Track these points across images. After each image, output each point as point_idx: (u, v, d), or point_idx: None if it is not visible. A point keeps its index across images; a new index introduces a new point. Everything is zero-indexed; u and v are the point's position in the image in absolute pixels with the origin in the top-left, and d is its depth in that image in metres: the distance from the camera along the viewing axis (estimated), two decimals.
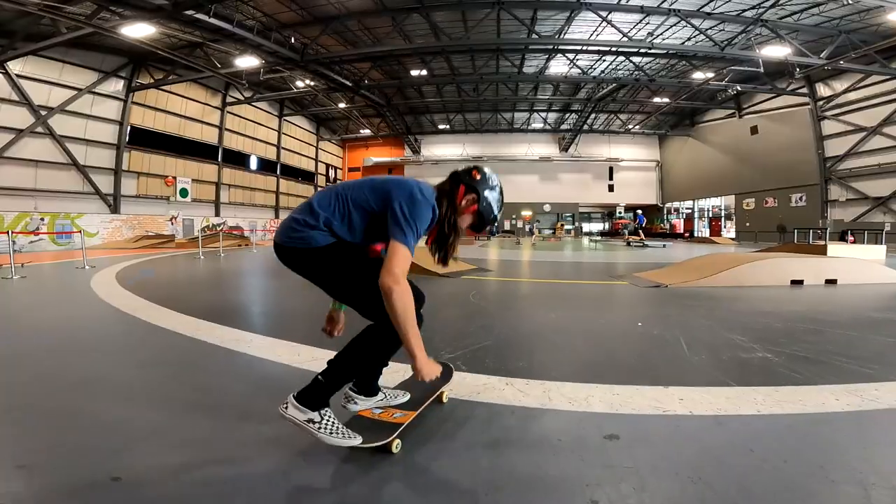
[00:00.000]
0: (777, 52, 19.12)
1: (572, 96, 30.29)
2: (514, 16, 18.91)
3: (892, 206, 20.85)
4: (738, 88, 23.22)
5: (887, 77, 20.82)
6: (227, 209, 28.94)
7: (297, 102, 34.19)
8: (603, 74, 25.55)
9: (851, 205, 22.81)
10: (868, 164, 21.89)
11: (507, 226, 41.59)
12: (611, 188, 40.37)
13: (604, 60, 25.06)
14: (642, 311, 4.47)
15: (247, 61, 21.87)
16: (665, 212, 40.27)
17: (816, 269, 6.29)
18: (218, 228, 27.98)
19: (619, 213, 41.61)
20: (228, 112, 28.78)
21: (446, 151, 40.77)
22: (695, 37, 20.11)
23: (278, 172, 33.69)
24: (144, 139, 23.72)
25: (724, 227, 33.13)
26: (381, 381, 1.94)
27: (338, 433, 1.52)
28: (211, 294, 6.25)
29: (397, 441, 1.61)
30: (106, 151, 22.01)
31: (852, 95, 22.73)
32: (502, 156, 39.84)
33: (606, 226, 48.79)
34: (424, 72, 26.28)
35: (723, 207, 33.54)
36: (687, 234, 35.43)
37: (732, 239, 28.25)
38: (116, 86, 22.22)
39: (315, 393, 1.53)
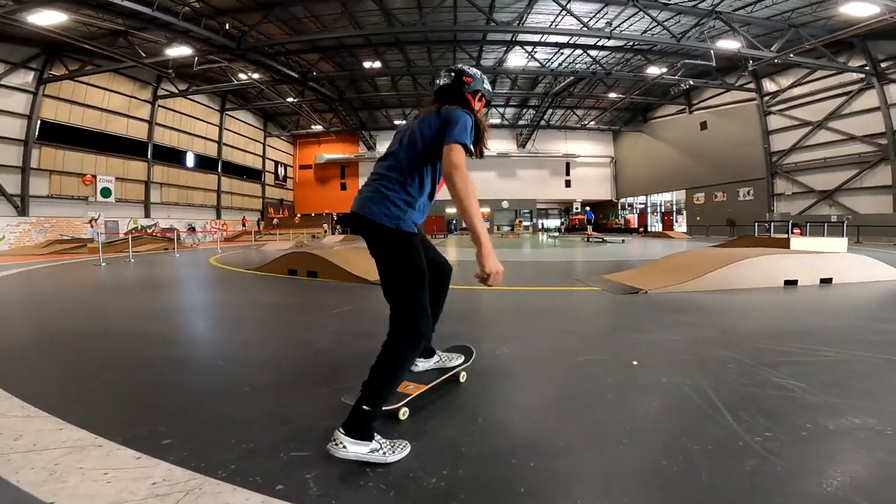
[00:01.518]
0: (730, 45, 18.87)
1: (530, 90, 29.51)
2: (472, 2, 17.68)
3: (838, 200, 21.15)
4: (691, 83, 23.02)
5: (832, 72, 21.11)
6: (159, 209, 26.26)
7: (241, 96, 31.82)
8: (561, 67, 24.81)
9: (798, 198, 23.09)
10: (814, 159, 22.17)
11: (464, 223, 40.57)
12: (568, 184, 40.08)
13: (562, 53, 24.35)
14: (629, 336, 3.27)
15: (178, 51, 19.69)
16: (619, 207, 40.40)
17: (810, 268, 5.37)
18: (148, 231, 25.46)
19: (576, 209, 41.52)
20: (161, 106, 26.10)
21: None
22: (652, 28, 19.59)
23: (219, 170, 31.08)
24: (58, 135, 20.98)
25: (676, 221, 33.39)
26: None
27: (397, 449, 1.50)
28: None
29: (405, 409, 1.74)
30: (12, 148, 19.24)
31: (797, 91, 22.98)
32: None
33: (564, 222, 48.82)
34: (378, 64, 24.76)
35: (674, 202, 33.79)
36: (641, 229, 35.52)
37: (685, 233, 28.31)
38: (25, 78, 19.55)
39: (364, 423, 1.47)
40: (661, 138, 32.85)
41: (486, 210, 40.37)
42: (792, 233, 22.03)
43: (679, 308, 4.16)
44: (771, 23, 18.35)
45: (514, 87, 28.92)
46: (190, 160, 28.63)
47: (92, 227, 22.39)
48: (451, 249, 15.42)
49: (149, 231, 24.93)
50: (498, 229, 40.40)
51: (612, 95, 28.51)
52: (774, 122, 24.31)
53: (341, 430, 1.45)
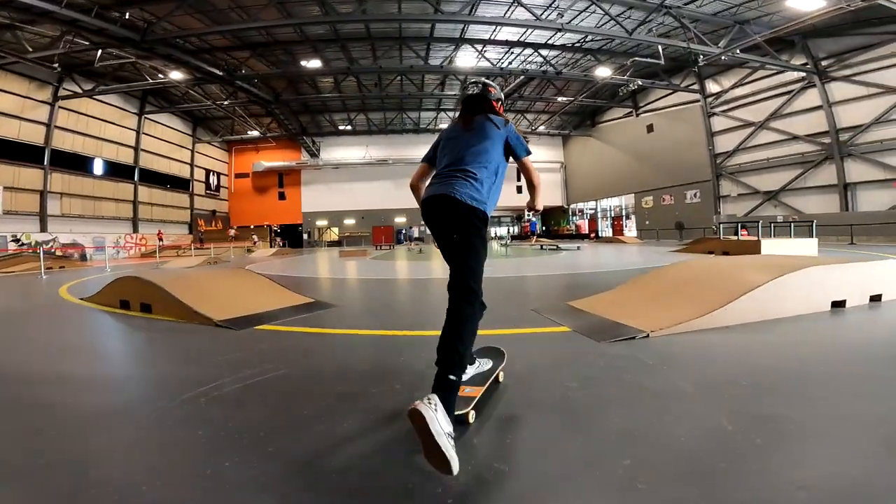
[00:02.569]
0: (678, 42, 18.17)
1: None
2: None
3: (783, 200, 20.84)
4: (640, 83, 22.24)
5: (773, 71, 20.89)
6: (59, 223, 22.49)
7: (164, 98, 28.41)
8: (510, 66, 23.38)
9: (743, 200, 22.74)
10: (757, 159, 21.87)
11: (416, 233, 38.54)
12: (519, 189, 38.73)
13: (512, 53, 23.02)
14: None
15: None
16: (570, 213, 39.74)
17: (859, 282, 3.74)
18: (46, 246, 21.73)
19: (528, 216, 40.48)
20: (62, 108, 22.47)
21: (347, 154, 36.80)
22: (605, 24, 18.54)
23: (136, 178, 27.45)
24: None
25: (626, 226, 32.92)
26: None
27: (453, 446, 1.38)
28: None
29: (472, 412, 1.69)
30: None
31: (739, 91, 22.73)
32: (408, 158, 36.69)
33: (515, 229, 47.80)
34: (318, 63, 22.35)
35: (623, 207, 33.35)
36: (592, 235, 34.83)
37: (636, 238, 27.63)
38: None
39: (455, 393, 1.53)
40: (610, 142, 32.34)
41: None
42: (739, 234, 21.78)
43: (724, 374, 2.28)
44: (718, 19, 17.69)
45: (465, 84, 27.29)
46: (98, 167, 24.94)
47: None
48: (381, 262, 13.35)
49: (48, 247, 21.25)
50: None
51: (562, 99, 27.53)
52: (718, 123, 24.01)
53: (437, 393, 1.44)
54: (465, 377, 1.85)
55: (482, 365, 2.08)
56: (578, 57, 23.60)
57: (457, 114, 2.23)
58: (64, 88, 22.27)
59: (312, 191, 37.53)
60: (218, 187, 36.38)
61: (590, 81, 24.63)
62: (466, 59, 23.07)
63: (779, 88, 20.81)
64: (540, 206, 2.25)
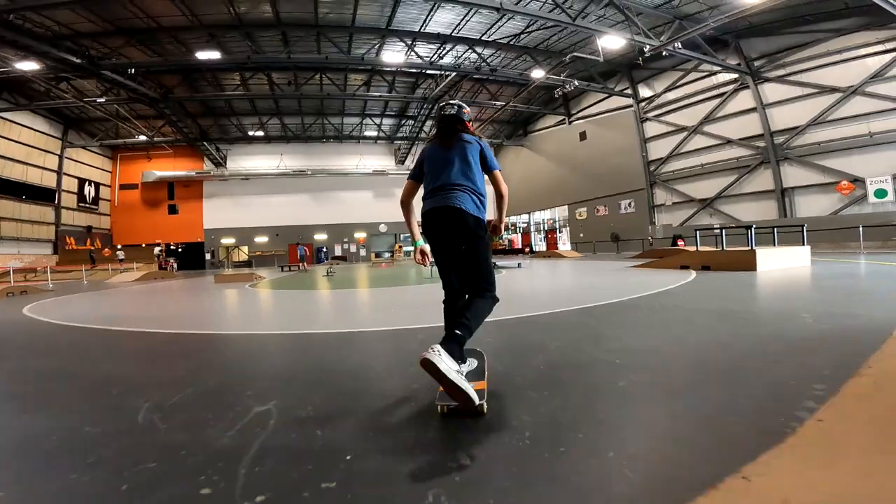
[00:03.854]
0: (621, 35, 17.20)
1: (409, 94, 25.60)
2: None
3: (719, 208, 20.17)
4: (576, 83, 21.01)
5: (705, 73, 20.50)
6: None
7: (21, 93, 22.80)
8: (442, 61, 21.21)
9: (678, 208, 22.05)
10: (691, 166, 21.26)
11: (338, 251, 34.97)
12: None
13: (444, 49, 20.88)
14: None
15: None
16: (503, 227, 38.27)
17: None
18: None
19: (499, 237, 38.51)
20: None
21: (259, 164, 32.59)
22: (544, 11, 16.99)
23: None
24: None
25: (560, 239, 32.01)
26: None
27: (468, 382, 1.71)
28: None
29: (484, 403, 1.73)
30: None
31: (671, 95, 21.99)
32: (330, 169, 33.28)
33: None
34: (217, 54, 18.57)
35: (557, 219, 32.47)
36: (527, 250, 33.50)
37: (574, 251, 26.49)
38: None
39: (458, 347, 1.77)
40: (542, 151, 31.28)
41: (363, 235, 35.43)
42: (676, 245, 21.18)
43: None
44: (659, 13, 16.77)
45: (392, 89, 24.85)
46: None
47: None
48: (259, 292, 10.25)
49: None
50: (376, 256, 35.57)
51: (496, 104, 25.97)
52: (651, 128, 23.35)
53: (440, 345, 1.71)
54: (469, 368, 2.07)
55: (472, 364, 2.17)
56: (514, 56, 22.18)
57: (432, 131, 2.21)
58: None
59: (216, 205, 32.67)
60: (96, 199, 30.36)
61: (524, 86, 23.15)
62: (394, 55, 20.70)
63: (712, 91, 20.11)
64: (504, 219, 2.37)
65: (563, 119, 28.83)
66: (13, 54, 16.56)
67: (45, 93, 22.11)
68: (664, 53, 17.20)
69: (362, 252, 35.28)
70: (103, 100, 22.24)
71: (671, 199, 22.34)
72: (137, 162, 31.73)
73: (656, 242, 21.32)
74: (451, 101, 2.35)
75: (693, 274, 7.40)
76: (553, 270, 11.54)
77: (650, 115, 23.26)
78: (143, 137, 27.77)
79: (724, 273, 7.31)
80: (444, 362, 1.62)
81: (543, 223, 34.07)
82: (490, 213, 2.24)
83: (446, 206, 2.04)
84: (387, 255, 36.29)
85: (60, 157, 27.11)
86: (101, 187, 30.85)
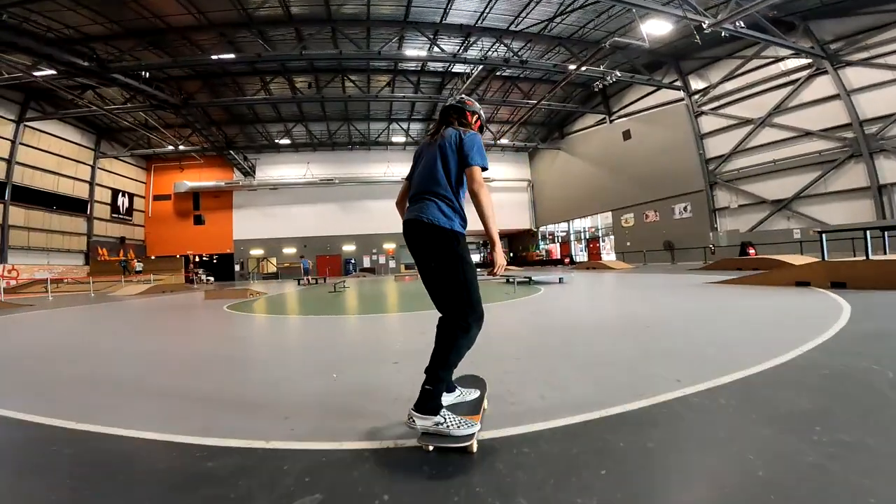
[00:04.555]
0: (663, 25, 14.81)
1: (435, 95, 23.88)
2: None
3: (798, 209, 17.05)
4: (618, 74, 18.64)
5: (768, 60, 17.81)
6: None
7: (51, 102, 22.72)
8: (467, 54, 19.28)
9: (746, 211, 18.98)
10: (761, 162, 18.19)
11: (366, 262, 33.43)
12: None
13: (469, 41, 19.03)
14: None
15: None
16: (540, 237, 35.84)
17: None
18: None
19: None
20: None
21: (287, 172, 31.69)
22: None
23: (7, 197, 21.40)
24: None
25: (603, 248, 29.15)
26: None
27: (463, 424, 1.59)
28: None
29: (474, 442, 1.57)
30: None
31: (730, 85, 19.18)
32: (357, 177, 31.96)
33: (478, 257, 43.72)
34: (231, 56, 17.47)
35: (599, 226, 29.65)
36: (567, 261, 30.84)
37: (622, 261, 23.67)
38: None
39: (429, 400, 1.62)
40: (581, 154, 28.68)
41: (392, 246, 33.80)
42: (747, 253, 18.11)
43: None
44: None
45: (418, 90, 23.21)
46: None
47: None
48: (253, 318, 8.45)
49: None
50: (406, 268, 33.82)
51: (530, 102, 23.76)
52: (707, 123, 20.43)
53: (413, 408, 1.63)
54: (445, 402, 1.82)
55: (466, 394, 1.97)
56: (545, 49, 20.02)
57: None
58: None
59: (245, 215, 31.97)
60: (130, 210, 30.32)
61: (558, 82, 20.83)
62: (416, 50, 19.06)
63: (781, 79, 17.24)
64: (495, 235, 1.76)
65: (604, 118, 26.24)
66: (27, 60, 16.07)
67: (71, 101, 21.85)
68: (724, 35, 14.63)
69: (391, 264, 33.58)
70: (127, 106, 21.75)
71: (736, 201, 19.29)
72: (170, 173, 31.58)
73: (719, 251, 18.35)
74: (454, 96, 2.17)
75: (833, 296, 4.91)
76: (606, 287, 9.11)
77: (706, 108, 20.40)
78: (172, 147, 27.54)
79: (883, 294, 4.83)
80: (418, 426, 1.60)
81: (584, 231, 31.31)
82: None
83: (410, 220, 1.82)
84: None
85: (93, 167, 27.10)
86: (136, 198, 30.82)
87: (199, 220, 31.29)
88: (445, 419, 1.60)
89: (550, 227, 34.49)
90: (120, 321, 6.92)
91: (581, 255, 30.90)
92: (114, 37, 16.68)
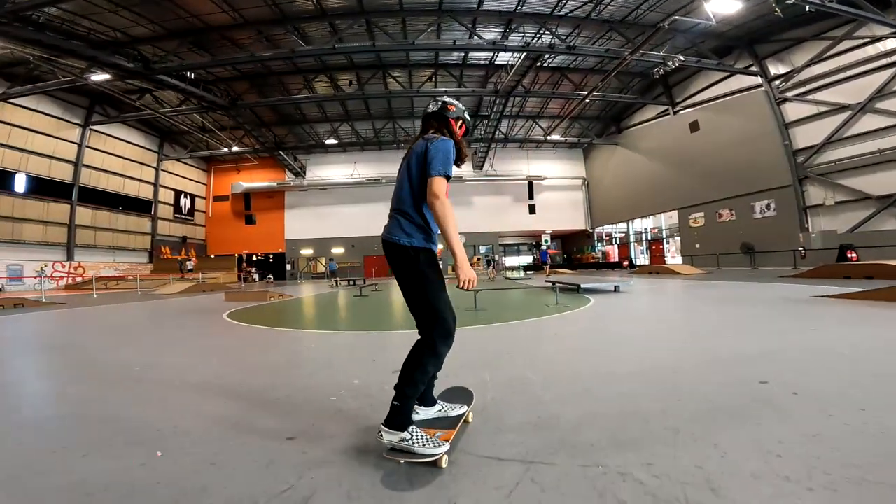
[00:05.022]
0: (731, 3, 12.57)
1: (479, 89, 22.58)
2: None
3: None
4: (681, 59, 16.43)
5: (863, 40, 14.90)
6: None
7: (113, 105, 24.02)
8: (508, 41, 17.81)
9: (845, 209, 16.03)
10: (862, 153, 15.21)
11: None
12: (532, 209, 32.87)
13: (511, 29, 17.60)
14: None
15: None
16: (595, 238, 33.35)
17: None
18: None
19: (546, 242, 34.38)
20: None
21: (335, 172, 31.76)
22: None
23: (74, 198, 22.89)
24: None
25: (667, 250, 26.34)
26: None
27: (429, 443, 1.62)
28: None
29: (445, 457, 1.61)
30: None
31: (818, 69, 16.50)
32: None
33: (529, 259, 41.77)
34: (269, 53, 17.46)
35: (663, 227, 26.84)
36: (626, 263, 28.34)
37: (689, 265, 21.02)
38: None
39: (396, 416, 1.65)
40: (641, 149, 26.14)
41: (440, 247, 32.73)
42: (847, 258, 15.12)
43: None
44: None
45: (461, 84, 22.10)
46: (20, 183, 20.46)
47: None
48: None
49: None
50: (452, 270, 32.72)
51: (582, 94, 21.76)
52: (792, 111, 17.56)
53: (382, 423, 1.68)
54: (419, 417, 1.88)
55: (448, 410, 1.98)
56: (595, 35, 18.09)
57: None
58: None
59: (296, 215, 32.43)
60: (192, 211, 31.80)
61: (611, 71, 18.82)
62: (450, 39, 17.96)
63: (879, 60, 14.57)
64: (456, 249, 1.71)
65: (666, 109, 23.70)
66: (80, 63, 16.74)
67: (130, 105, 22.70)
68: (809, 10, 12.22)
69: (440, 264, 32.51)
70: (182, 108, 22.42)
71: (833, 198, 16.33)
72: (228, 174, 32.75)
73: (811, 256, 15.56)
74: (437, 98, 2.02)
75: None
76: (678, 300, 7.44)
77: (790, 94, 17.58)
78: (226, 149, 28.35)
79: None
80: (385, 441, 1.64)
81: (646, 232, 28.58)
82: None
83: (382, 239, 1.83)
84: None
85: (157, 169, 28.56)
86: (197, 199, 32.29)
87: (249, 220, 32.13)
88: (412, 436, 1.63)
89: (608, 228, 31.96)
90: (95, 327, 6.38)
91: (642, 258, 28.27)
92: (158, 38, 17.00)
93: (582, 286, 9.34)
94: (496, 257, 32.48)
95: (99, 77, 17.46)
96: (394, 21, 17.23)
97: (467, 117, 2.04)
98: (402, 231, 1.73)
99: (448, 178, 1.71)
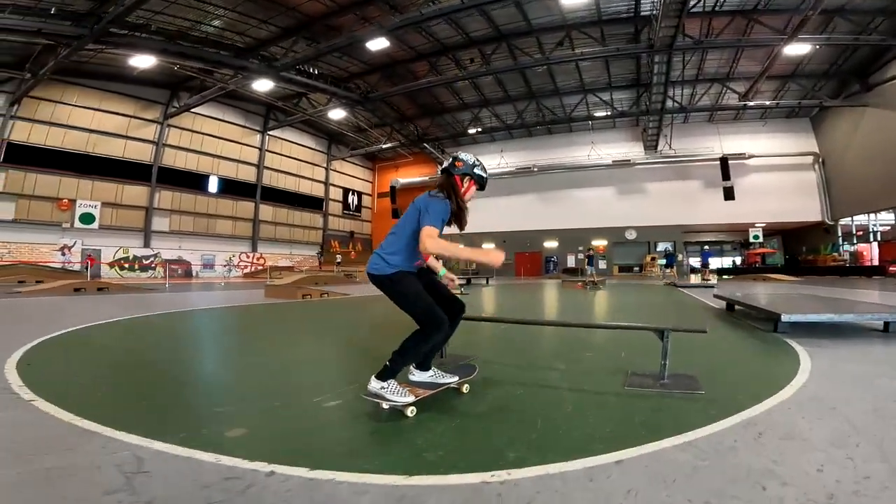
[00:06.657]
0: None
1: (626, 47, 17.16)
2: None
3: None
4: None
5: None
6: (165, 239, 22.17)
7: (282, 110, 26.57)
8: None
9: None
10: None
11: (571, 262, 28.09)
12: (729, 194, 24.23)
13: None
14: None
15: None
16: (840, 232, 22.86)
17: None
18: (146, 261, 21.76)
19: (756, 236, 25.41)
20: (172, 126, 22.15)
21: (483, 163, 29.63)
22: None
23: (258, 197, 26.55)
24: (29, 157, 18.31)
25: None
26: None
27: (399, 394, 2.03)
28: None
29: (412, 408, 2.03)
30: None
31: None
32: (558, 163, 27.26)
33: (738, 260, 32.16)
34: (384, 42, 16.41)
35: None
36: (893, 269, 18.49)
37: None
38: None
39: (384, 372, 2.05)
40: None
41: (602, 242, 27.48)
42: None
43: None
44: None
45: (605, 42, 17.24)
46: (213, 185, 24.58)
47: (64, 254, 19.38)
48: None
49: (161, 263, 21.25)
50: (620, 271, 27.05)
51: (783, 36, 14.14)
52: None
53: (374, 376, 2.07)
54: (414, 378, 2.31)
55: (438, 377, 2.33)
56: None
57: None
58: (172, 106, 22.03)
59: None
60: (359, 207, 34.25)
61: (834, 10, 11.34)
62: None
63: None
64: (470, 255, 2.28)
65: None
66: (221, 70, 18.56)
67: (294, 107, 23.97)
68: None
69: (602, 264, 27.04)
70: (328, 106, 22.99)
71: None
72: (389, 171, 34.06)
73: None
74: (452, 154, 2.32)
75: None
76: None
77: None
78: (379, 145, 29.08)
79: None
80: (369, 387, 2.05)
81: None
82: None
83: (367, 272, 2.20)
84: (636, 269, 27.29)
85: (326, 169, 31.41)
86: (364, 196, 34.68)
87: (395, 214, 32.71)
88: (388, 386, 2.03)
89: (858, 220, 21.54)
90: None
91: None
92: (275, 39, 17.38)
93: (784, 318, 4.17)
94: (678, 256, 25.44)
95: (263, 88, 19.40)
96: None
97: (477, 173, 2.27)
98: (378, 264, 2.12)
99: (436, 227, 2.03)
